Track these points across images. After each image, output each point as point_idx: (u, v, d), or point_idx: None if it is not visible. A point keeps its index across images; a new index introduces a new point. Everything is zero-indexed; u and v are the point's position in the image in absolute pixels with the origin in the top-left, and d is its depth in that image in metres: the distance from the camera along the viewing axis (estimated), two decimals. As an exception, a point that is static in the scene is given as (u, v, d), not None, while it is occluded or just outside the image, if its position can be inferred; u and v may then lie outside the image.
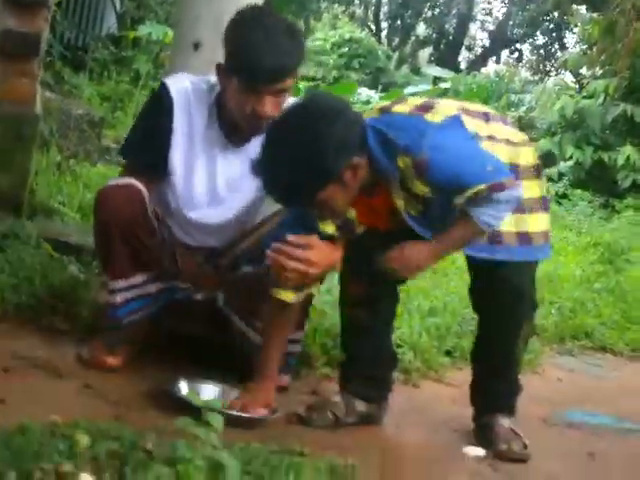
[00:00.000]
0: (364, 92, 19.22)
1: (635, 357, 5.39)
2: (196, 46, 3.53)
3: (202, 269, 3.34)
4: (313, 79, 20.95)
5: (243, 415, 2.92)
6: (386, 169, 2.86)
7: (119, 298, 3.21)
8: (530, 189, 3.04)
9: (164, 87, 3.20)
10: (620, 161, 13.01)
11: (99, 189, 3.26)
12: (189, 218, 3.29)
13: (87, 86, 9.39)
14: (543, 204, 3.12)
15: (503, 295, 3.07)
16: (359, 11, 33.88)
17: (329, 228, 3.01)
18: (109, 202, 3.12)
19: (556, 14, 27.02)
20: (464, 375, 3.64)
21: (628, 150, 12.96)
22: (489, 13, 32.58)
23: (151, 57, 11.14)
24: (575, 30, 22.80)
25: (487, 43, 32.65)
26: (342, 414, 3.20)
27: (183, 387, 3.02)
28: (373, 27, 33.54)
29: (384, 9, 33.91)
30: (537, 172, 3.13)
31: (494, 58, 31.33)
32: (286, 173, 2.74)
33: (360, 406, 3.25)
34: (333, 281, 3.66)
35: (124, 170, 3.34)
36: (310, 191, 2.77)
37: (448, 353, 4.35)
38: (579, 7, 19.69)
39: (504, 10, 30.84)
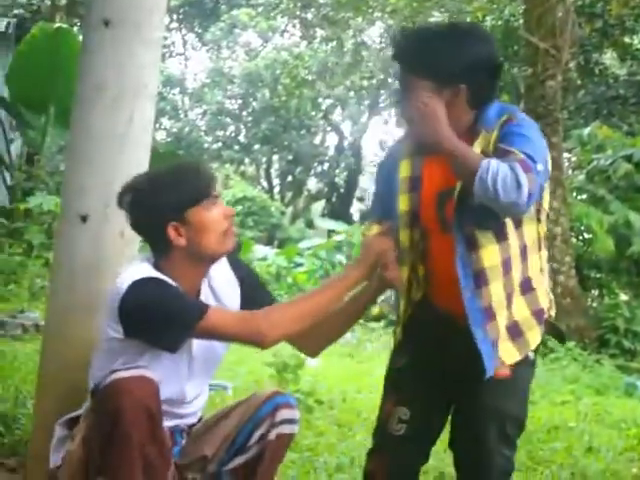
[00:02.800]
0: (260, 249, 19.38)
1: (543, 498, 5.38)
2: (83, 218, 3.53)
3: None
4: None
5: None
6: (488, 122, 3.02)
7: None
8: None
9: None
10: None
11: (112, 380, 2.84)
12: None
13: (-23, 263, 9.30)
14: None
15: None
16: (250, 169, 34.46)
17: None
18: (130, 392, 2.80)
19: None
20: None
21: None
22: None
23: (43, 228, 11.12)
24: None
25: (377, 194, 33.35)
26: None
27: None
28: (265, 184, 34.10)
29: (275, 166, 34.56)
30: None
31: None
32: (433, 46, 2.99)
33: None
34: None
35: None
36: (442, 70, 2.96)
37: (357, 510, 4.29)
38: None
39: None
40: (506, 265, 3.02)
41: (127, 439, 2.78)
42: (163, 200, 3.00)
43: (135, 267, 3.05)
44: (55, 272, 3.69)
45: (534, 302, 3.09)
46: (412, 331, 3.24)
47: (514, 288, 3.05)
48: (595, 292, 15.88)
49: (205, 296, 3.16)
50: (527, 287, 3.08)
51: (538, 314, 3.10)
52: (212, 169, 3.05)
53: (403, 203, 3.14)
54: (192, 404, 3.21)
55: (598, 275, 15.84)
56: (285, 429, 3.12)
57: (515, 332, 3.05)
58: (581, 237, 15.68)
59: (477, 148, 2.98)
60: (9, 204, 11.99)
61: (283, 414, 3.12)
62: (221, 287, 3.22)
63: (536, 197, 2.88)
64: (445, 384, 3.16)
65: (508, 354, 3.04)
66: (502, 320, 3.03)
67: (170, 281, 2.99)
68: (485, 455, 3.09)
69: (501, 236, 3.01)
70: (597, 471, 5.78)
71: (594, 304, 15.07)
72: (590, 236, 15.03)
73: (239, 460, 3.13)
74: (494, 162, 2.81)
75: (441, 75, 2.97)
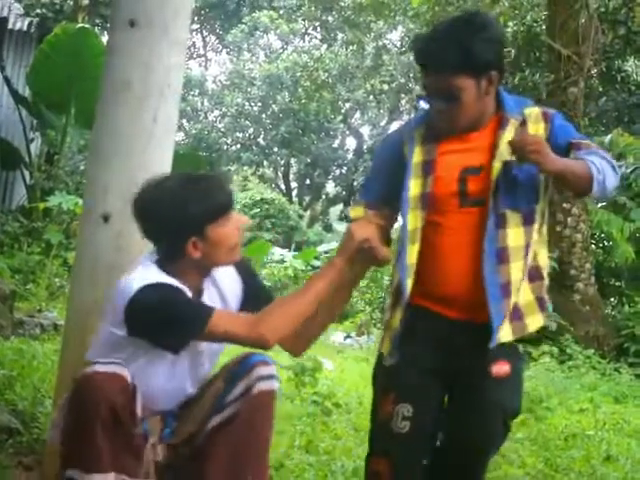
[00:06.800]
0: (277, 251, 19.39)
1: (562, 505, 5.35)
2: (105, 218, 3.52)
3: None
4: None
5: None
6: (511, 109, 3.14)
7: None
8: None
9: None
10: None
11: (84, 374, 2.90)
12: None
13: (-3, 260, 9.33)
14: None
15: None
16: (269, 172, 34.48)
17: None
18: (98, 387, 2.85)
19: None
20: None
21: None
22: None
23: (62, 227, 11.15)
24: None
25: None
26: None
27: None
28: (283, 187, 34.11)
29: (293, 169, 34.58)
30: None
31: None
32: (463, 40, 3.00)
33: None
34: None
35: None
36: (470, 62, 2.99)
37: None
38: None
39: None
40: (527, 249, 3.11)
41: (91, 433, 2.82)
42: (188, 215, 2.99)
43: (143, 269, 3.04)
44: (76, 272, 3.69)
45: (539, 290, 3.18)
46: (408, 326, 3.22)
47: (525, 273, 3.12)
48: (614, 300, 15.78)
49: (209, 293, 3.18)
50: (536, 275, 3.17)
51: (541, 302, 3.17)
52: (230, 172, 3.06)
53: (415, 187, 3.14)
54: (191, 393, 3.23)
55: (618, 283, 15.73)
56: (263, 385, 3.10)
57: (516, 315, 3.11)
58: (601, 244, 15.60)
59: (509, 134, 3.05)
60: (28, 203, 12.03)
61: (259, 371, 3.11)
62: (224, 283, 3.23)
63: None
64: (445, 378, 3.18)
65: (504, 334, 3.08)
66: (512, 301, 3.09)
67: (177, 284, 3.00)
68: (488, 442, 3.18)
69: (528, 220, 3.10)
70: (616, 480, 5.75)
71: (613, 312, 14.98)
72: (610, 244, 14.95)
73: (216, 419, 3.11)
74: (596, 161, 2.99)
75: (478, 65, 3.02)
